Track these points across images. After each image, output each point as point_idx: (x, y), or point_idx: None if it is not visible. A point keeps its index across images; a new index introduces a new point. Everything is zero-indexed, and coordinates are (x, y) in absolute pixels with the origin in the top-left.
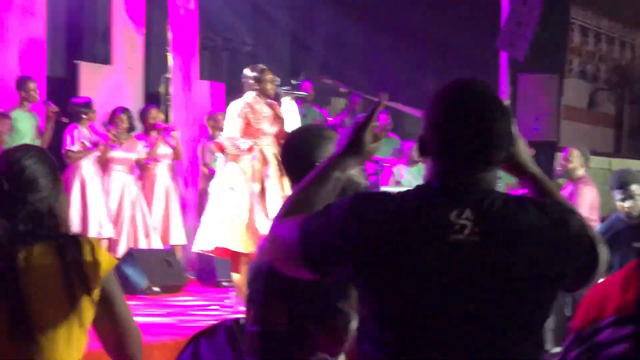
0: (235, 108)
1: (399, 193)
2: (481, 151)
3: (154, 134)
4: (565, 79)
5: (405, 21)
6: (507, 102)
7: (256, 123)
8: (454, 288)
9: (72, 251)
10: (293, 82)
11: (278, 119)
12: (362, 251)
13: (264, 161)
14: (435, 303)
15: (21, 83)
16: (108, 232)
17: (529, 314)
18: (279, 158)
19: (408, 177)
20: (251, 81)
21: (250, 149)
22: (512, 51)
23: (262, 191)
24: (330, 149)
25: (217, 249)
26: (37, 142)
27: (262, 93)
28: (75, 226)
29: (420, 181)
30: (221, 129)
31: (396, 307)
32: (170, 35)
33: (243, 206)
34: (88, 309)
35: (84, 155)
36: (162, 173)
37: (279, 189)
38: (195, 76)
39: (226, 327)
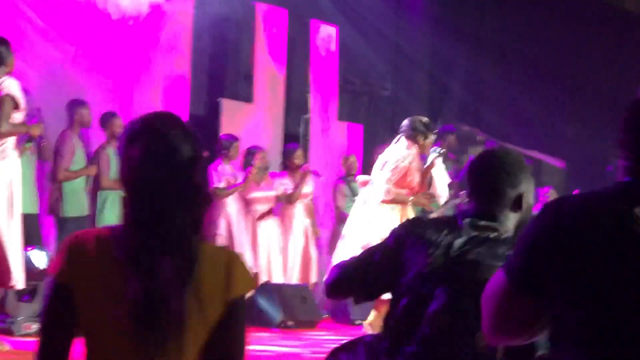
0: (402, 159)
1: (587, 194)
2: None
3: (296, 174)
4: None
5: (547, 67)
6: None
7: (411, 176)
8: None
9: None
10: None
11: (422, 172)
12: (564, 251)
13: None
14: (628, 297)
15: None
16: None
17: None
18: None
19: None
20: (416, 133)
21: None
22: None
23: None
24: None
25: None
26: None
27: (420, 148)
28: None
29: None
30: (353, 173)
31: (598, 304)
32: (310, 75)
33: None
34: (202, 330)
35: (230, 193)
36: (299, 212)
37: None
38: (333, 117)
39: (365, 343)
